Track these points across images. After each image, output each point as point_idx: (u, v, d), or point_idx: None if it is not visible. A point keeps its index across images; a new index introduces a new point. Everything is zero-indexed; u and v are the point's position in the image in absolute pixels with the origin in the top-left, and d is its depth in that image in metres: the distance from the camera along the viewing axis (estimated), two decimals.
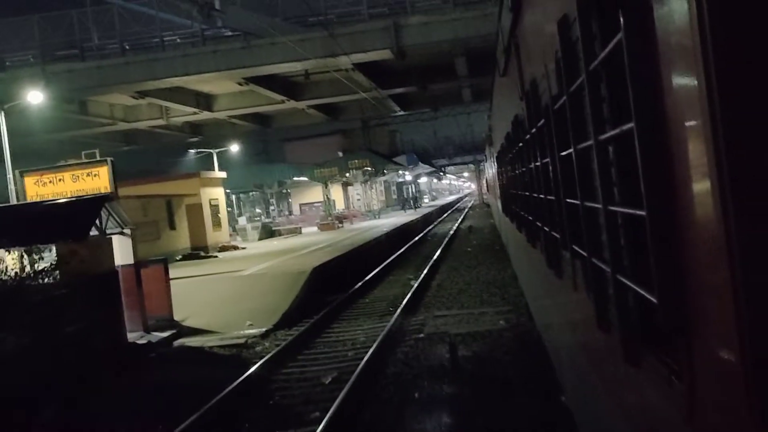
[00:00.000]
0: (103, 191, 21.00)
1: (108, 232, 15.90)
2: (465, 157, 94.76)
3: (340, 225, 45.85)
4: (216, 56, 28.10)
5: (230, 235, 38.42)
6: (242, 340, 15.45)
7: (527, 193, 8.59)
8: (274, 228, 45.22)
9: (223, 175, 36.61)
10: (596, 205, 3.53)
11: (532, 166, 7.23)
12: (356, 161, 50.16)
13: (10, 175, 22.02)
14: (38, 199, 19.55)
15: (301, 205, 59.45)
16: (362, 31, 27.76)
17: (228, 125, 46.23)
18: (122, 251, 16.49)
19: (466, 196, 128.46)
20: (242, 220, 46.39)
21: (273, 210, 56.31)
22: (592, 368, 4.68)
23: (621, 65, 2.58)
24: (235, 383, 11.34)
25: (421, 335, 14.20)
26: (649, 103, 2.44)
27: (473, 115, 59.90)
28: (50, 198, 19.92)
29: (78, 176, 21.66)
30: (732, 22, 1.85)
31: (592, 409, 4.91)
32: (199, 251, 31.95)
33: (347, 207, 57.34)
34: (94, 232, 15.30)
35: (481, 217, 53.95)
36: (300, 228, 46.01)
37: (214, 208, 35.29)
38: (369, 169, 51.37)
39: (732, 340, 1.93)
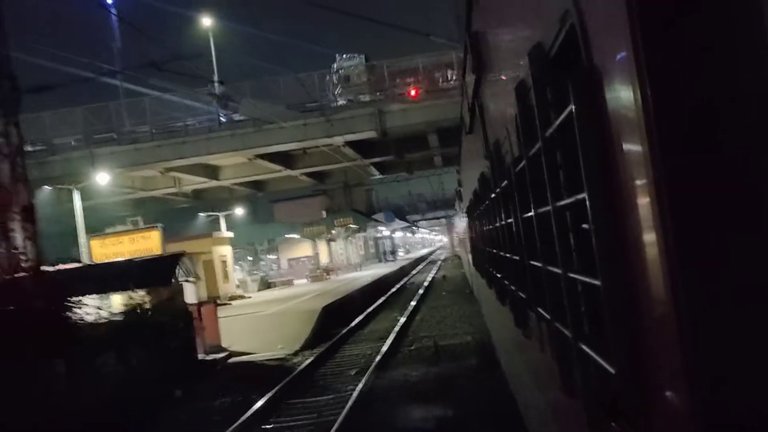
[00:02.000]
0: (154, 251, 27.01)
1: (180, 279, 21.77)
2: (437, 212, 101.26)
3: (327, 276, 51.76)
4: (233, 138, 34.35)
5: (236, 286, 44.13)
6: (281, 356, 21.24)
7: (495, 251, 8.74)
8: (269, 280, 51.12)
9: (231, 235, 42.53)
10: (557, 270, 3.50)
11: (498, 224, 7.33)
12: (341, 219, 56.30)
13: (82, 239, 27.68)
14: (104, 259, 25.22)
15: (288, 259, 65.20)
16: (352, 116, 34.21)
17: (227, 190, 52.27)
18: (188, 294, 22.34)
19: (438, 248, 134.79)
20: (239, 273, 52.11)
21: (263, 264, 62.14)
22: (559, 429, 4.68)
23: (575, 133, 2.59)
24: (291, 375, 17.14)
25: (412, 347, 20.18)
26: (600, 173, 2.45)
27: (444, 175, 66.51)
28: (113, 257, 25.65)
29: (134, 239, 27.70)
30: (674, 94, 1.88)
31: None
32: (215, 299, 37.64)
33: (331, 260, 63.24)
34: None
35: (453, 268, 59.98)
36: (292, 280, 51.90)
37: (223, 264, 41.03)
38: (352, 226, 57.50)
39: (686, 419, 1.95)
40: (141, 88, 35.52)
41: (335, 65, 37.16)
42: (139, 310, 18.73)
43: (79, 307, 14.93)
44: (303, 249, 62.83)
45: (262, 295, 41.52)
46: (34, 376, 12.25)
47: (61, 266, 19.81)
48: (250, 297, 40.55)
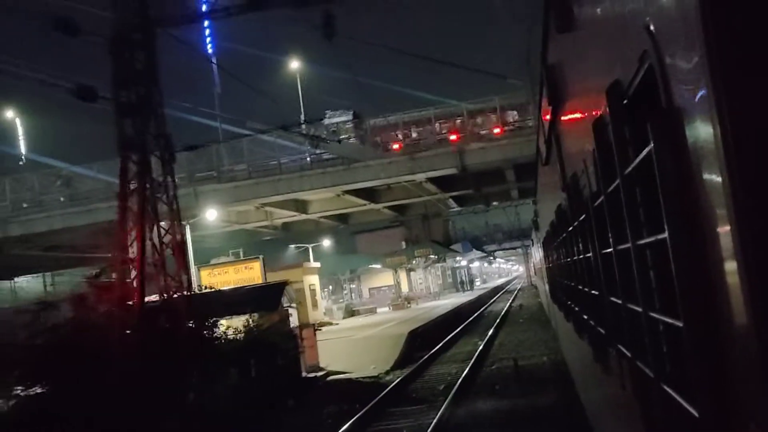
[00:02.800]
0: (255, 280, 29.79)
1: (285, 306, 24.45)
2: (513, 242, 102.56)
3: (408, 305, 54.14)
4: (324, 176, 37.29)
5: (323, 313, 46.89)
6: (375, 374, 23.64)
7: (572, 284, 8.69)
8: (353, 308, 53.84)
9: (318, 265, 45.38)
10: (637, 308, 3.44)
11: (576, 258, 7.29)
12: (421, 250, 58.76)
13: (192, 269, 30.70)
14: (212, 287, 27.89)
15: (370, 288, 67.87)
16: (434, 155, 36.73)
17: (313, 222, 55.28)
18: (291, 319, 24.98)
19: (514, 278, 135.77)
20: (324, 302, 54.94)
21: (346, 293, 64.99)
22: None
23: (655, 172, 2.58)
24: (387, 389, 19.50)
25: (493, 367, 22.35)
26: (681, 213, 2.43)
27: (520, 206, 68.31)
28: (220, 285, 28.39)
29: (238, 269, 30.61)
30: (755, 135, 1.85)
31: None
32: (313, 325, 40.43)
33: (411, 290, 65.61)
34: None
35: (529, 297, 61.58)
36: (375, 308, 54.49)
37: (312, 292, 43.81)
38: (432, 256, 59.86)
39: None
40: (239, 129, 38.78)
41: (325, 120, 39.17)
42: (256, 331, 21.36)
43: (215, 327, 17.68)
44: (383, 278, 65.41)
45: (348, 322, 44.16)
46: (184, 380, 14.95)
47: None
48: (337, 324, 43.18)
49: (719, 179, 2.01)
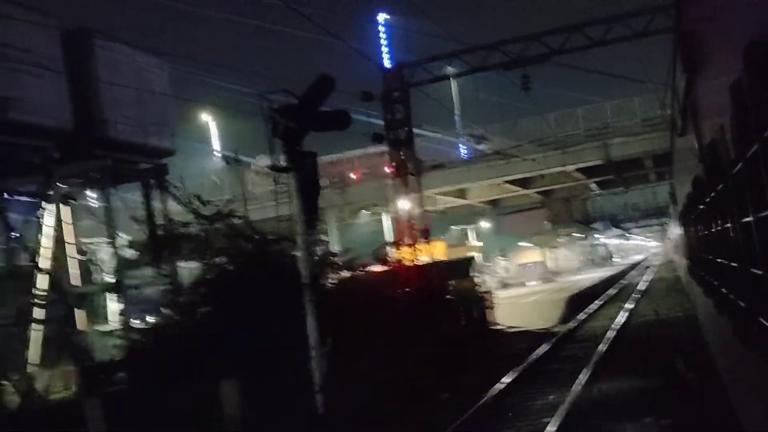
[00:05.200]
0: (441, 256, 37.14)
1: (471, 275, 31.80)
2: (650, 220, 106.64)
3: (555, 279, 60.78)
4: (488, 169, 44.48)
5: None
6: (545, 327, 30.62)
7: (711, 257, 8.17)
8: (505, 281, 61.00)
9: (480, 244, 52.70)
10: None
11: (715, 229, 6.84)
12: (565, 229, 65.17)
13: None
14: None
15: (518, 264, 74.68)
16: (583, 149, 43.18)
17: (467, 207, 62.54)
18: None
19: (651, 254, 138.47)
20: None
21: (497, 268, 72.07)
22: None
23: None
24: (559, 335, 26.44)
25: (638, 321, 28.97)
26: None
27: (657, 186, 73.24)
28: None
29: (425, 247, 37.73)
30: None
31: None
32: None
33: (556, 265, 72.02)
34: None
35: (667, 271, 66.54)
36: (524, 282, 61.44)
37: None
38: (575, 235, 66.10)
39: None
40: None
41: None
42: (464, 294, 28.64)
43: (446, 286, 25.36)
44: (529, 255, 71.99)
45: (503, 292, 51.20)
46: (437, 319, 22.45)
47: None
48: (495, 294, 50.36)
49: None
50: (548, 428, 12.52)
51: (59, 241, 18.03)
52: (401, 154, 27.12)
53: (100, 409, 13.61)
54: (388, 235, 41.63)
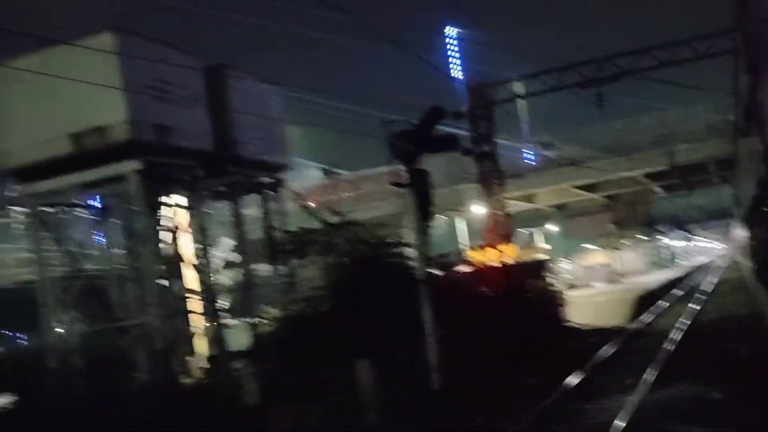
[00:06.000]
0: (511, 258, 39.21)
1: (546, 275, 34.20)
2: (714, 222, 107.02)
3: (620, 280, 62.54)
4: (561, 174, 46.84)
5: None
6: (615, 325, 32.86)
7: None
8: (570, 282, 62.99)
9: (549, 247, 54.89)
10: None
11: None
12: (630, 231, 66.80)
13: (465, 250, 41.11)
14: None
15: (583, 266, 76.37)
16: (649, 156, 45.18)
17: (533, 210, 64.68)
18: None
19: (715, 256, 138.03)
20: None
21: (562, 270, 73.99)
22: None
23: None
24: (629, 331, 28.71)
25: (707, 319, 31.07)
26: None
27: (721, 189, 74.35)
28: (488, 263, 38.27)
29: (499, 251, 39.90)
30: None
31: None
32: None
33: (621, 266, 73.53)
34: None
35: (732, 272, 67.72)
36: (588, 283, 63.34)
37: None
38: (640, 237, 67.69)
39: None
40: None
41: None
42: (541, 292, 31.12)
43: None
44: (595, 257, 73.68)
45: (571, 293, 53.31)
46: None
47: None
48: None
49: None
50: (629, 399, 15.09)
51: (200, 243, 21.14)
52: (485, 164, 29.92)
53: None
54: (462, 238, 44.22)
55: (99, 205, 21.05)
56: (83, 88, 17.07)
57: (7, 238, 43.62)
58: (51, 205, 20.42)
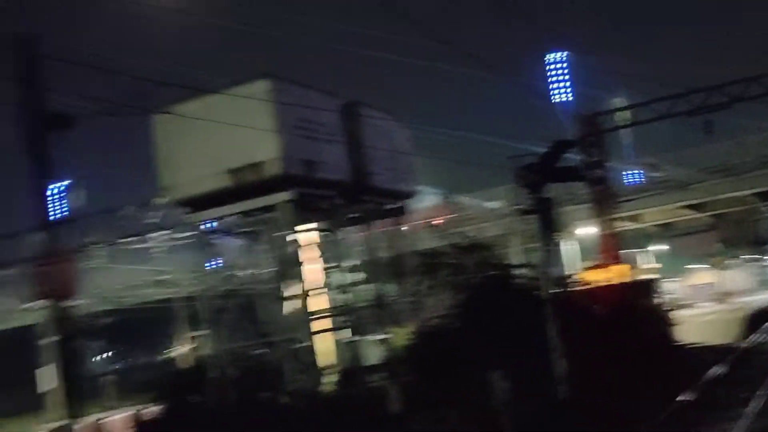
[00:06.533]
0: (624, 277, 40.14)
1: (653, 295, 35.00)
2: None
3: (727, 300, 62.17)
4: (661, 198, 47.50)
5: None
6: (725, 343, 33.41)
7: None
8: (678, 302, 62.99)
9: (659, 265, 55.32)
10: None
11: None
12: (737, 251, 66.27)
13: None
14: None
15: (690, 285, 75.81)
16: (758, 175, 45.39)
17: (638, 230, 64.92)
18: None
19: None
20: None
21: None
22: None
23: None
24: (740, 349, 29.37)
25: None
26: None
27: None
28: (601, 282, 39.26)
29: (610, 268, 41.02)
30: None
31: None
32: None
33: (726, 287, 72.76)
34: None
35: None
36: (694, 302, 63.17)
37: None
38: (746, 256, 67.08)
39: None
40: None
41: None
42: (651, 311, 32.02)
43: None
44: (700, 276, 73.17)
45: (678, 311, 53.48)
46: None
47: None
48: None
49: None
50: (746, 410, 16.31)
51: (336, 265, 23.34)
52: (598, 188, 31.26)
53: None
54: (571, 258, 45.37)
55: (251, 231, 23.37)
56: (240, 128, 19.54)
57: (140, 260, 47.12)
58: (213, 232, 22.96)
